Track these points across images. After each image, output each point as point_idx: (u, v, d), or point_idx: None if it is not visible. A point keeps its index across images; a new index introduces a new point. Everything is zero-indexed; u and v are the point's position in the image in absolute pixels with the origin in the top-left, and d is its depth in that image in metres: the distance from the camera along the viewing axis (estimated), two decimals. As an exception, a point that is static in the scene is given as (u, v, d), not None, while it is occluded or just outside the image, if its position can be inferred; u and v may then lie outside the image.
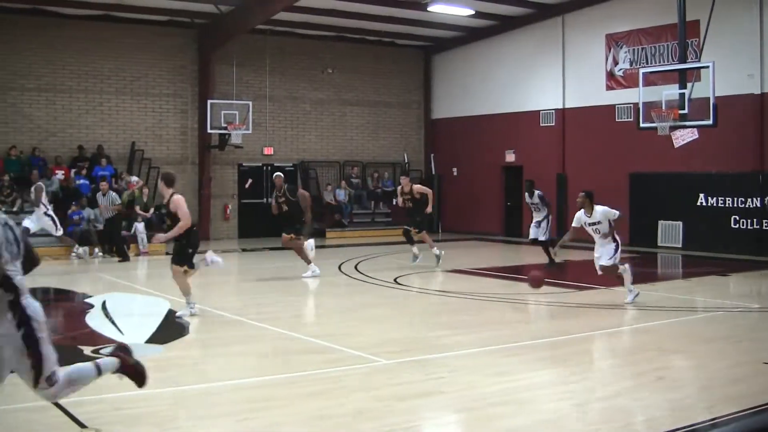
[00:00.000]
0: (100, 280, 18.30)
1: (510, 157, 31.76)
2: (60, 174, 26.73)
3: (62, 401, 7.96)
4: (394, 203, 22.39)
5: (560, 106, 29.70)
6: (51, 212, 20.86)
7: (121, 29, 29.08)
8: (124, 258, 23.54)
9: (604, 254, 14.56)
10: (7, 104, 27.50)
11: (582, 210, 14.74)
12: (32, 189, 20.88)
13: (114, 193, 24.59)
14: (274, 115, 32.07)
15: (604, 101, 27.97)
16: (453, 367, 9.82)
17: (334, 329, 12.46)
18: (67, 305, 15.74)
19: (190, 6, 28.26)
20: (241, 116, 29.21)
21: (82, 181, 26.85)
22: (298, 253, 18.91)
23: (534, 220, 21.00)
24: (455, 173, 34.03)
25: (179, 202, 13.60)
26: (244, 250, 26.14)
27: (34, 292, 14.98)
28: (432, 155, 34.85)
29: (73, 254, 23.16)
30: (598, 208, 14.57)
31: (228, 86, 30.78)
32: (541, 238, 20.81)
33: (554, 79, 29.87)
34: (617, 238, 14.64)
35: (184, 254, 13.83)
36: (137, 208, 26.22)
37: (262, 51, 31.21)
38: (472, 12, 29.37)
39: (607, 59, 27.96)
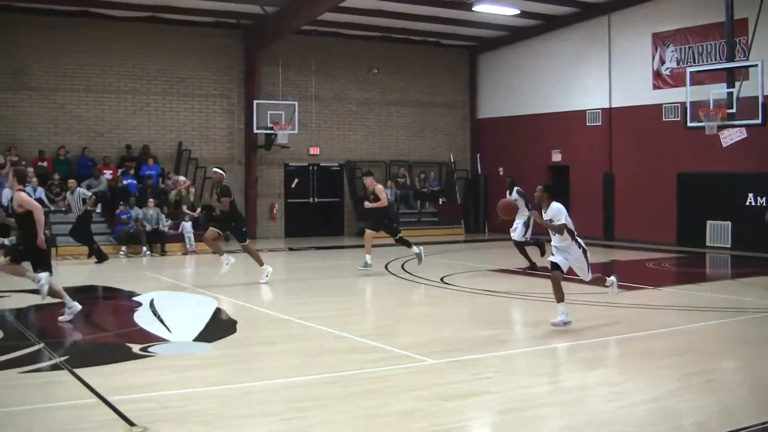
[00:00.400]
0: (147, 279, 18.42)
1: (556, 157, 31.59)
2: (108, 174, 26.98)
3: (111, 398, 8.05)
4: (365, 205, 20.45)
5: (607, 106, 29.47)
6: None
7: (168, 30, 29.31)
8: (102, 258, 22.62)
9: (572, 261, 12.38)
10: (56, 105, 27.83)
11: (540, 206, 12.70)
12: None
13: (81, 189, 23.52)
14: (320, 115, 32.15)
15: (650, 100, 27.67)
16: (500, 368, 9.79)
17: (380, 328, 12.47)
18: (115, 303, 15.87)
19: (236, 7, 28.41)
20: (287, 116, 29.33)
21: (129, 181, 27.09)
22: (210, 245, 18.47)
23: (517, 218, 19.64)
24: (501, 173, 33.86)
25: (22, 198, 12.53)
26: (290, 249, 26.21)
27: (83, 290, 15.19)
28: (478, 155, 34.74)
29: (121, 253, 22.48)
30: (554, 206, 12.31)
31: (274, 87, 30.91)
32: (516, 237, 19.75)
33: (600, 78, 29.65)
34: (581, 242, 12.47)
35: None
36: (184, 208, 26.48)
37: (307, 51, 31.30)
38: (518, 11, 29.27)
39: (653, 58, 27.69)
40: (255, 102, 29.37)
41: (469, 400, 8.41)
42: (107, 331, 12.58)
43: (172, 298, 15.76)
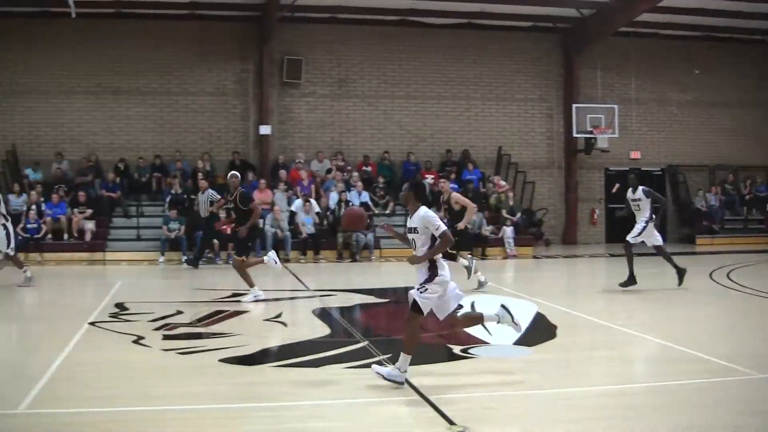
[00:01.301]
0: (468, 282, 18.56)
1: None
2: (429, 178, 27.55)
3: (432, 397, 8.13)
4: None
5: None
6: (9, 226, 18.10)
7: (486, 36, 29.69)
8: (193, 264, 22.63)
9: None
10: (379, 112, 28.93)
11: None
12: None
13: (212, 191, 23.25)
14: (640, 118, 31.38)
15: None
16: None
17: (704, 338, 11.90)
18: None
19: (553, 11, 28.47)
20: (607, 120, 28.97)
21: (451, 185, 27.47)
22: (240, 273, 15.77)
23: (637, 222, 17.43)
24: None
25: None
26: (611, 255, 25.75)
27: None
28: (810, 158, 32.74)
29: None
30: (421, 212, 9.02)
31: (593, 89, 30.51)
32: (629, 237, 17.21)
33: None
34: (439, 265, 9.03)
35: None
36: (504, 212, 26.57)
37: (626, 53, 30.65)
38: None
39: None
40: (574, 106, 29.23)
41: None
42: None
43: (493, 302, 15.79)
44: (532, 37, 30.43)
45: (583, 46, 29.80)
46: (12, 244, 17.76)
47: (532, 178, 29.82)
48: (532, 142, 30.62)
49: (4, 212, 17.75)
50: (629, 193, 17.48)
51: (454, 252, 16.56)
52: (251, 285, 15.52)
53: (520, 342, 11.39)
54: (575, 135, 29.52)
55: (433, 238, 8.90)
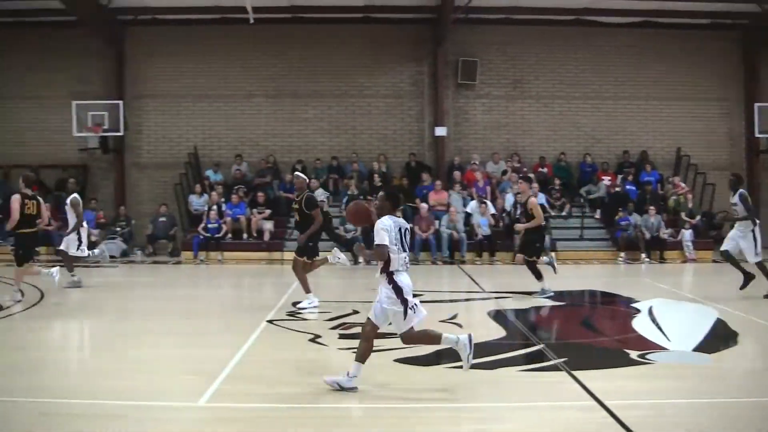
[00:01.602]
0: (646, 286, 18.21)
1: None
2: (606, 180, 27.18)
3: (608, 402, 8.00)
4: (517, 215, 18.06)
5: None
6: (83, 231, 18.14)
7: (663, 34, 29.15)
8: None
9: (384, 303, 8.80)
10: (555, 113, 28.77)
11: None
12: (68, 202, 18.14)
13: (321, 191, 22.88)
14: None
15: None
16: None
17: None
18: (613, 308, 15.88)
19: (732, 7, 27.75)
20: (791, 119, 27.96)
21: (629, 187, 27.05)
22: (297, 276, 15.04)
23: (735, 229, 16.21)
24: None
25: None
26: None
27: (582, 294, 15.21)
28: None
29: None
30: (379, 221, 8.78)
31: (775, 88, 29.49)
32: (752, 259, 16.08)
33: None
34: (395, 278, 8.71)
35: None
36: (683, 215, 25.94)
37: (812, 49, 29.48)
38: None
39: None
40: (756, 105, 28.35)
41: None
42: (605, 336, 12.61)
43: (671, 307, 15.46)
44: (711, 35, 29.61)
45: (765, 43, 28.81)
46: (83, 246, 18.26)
47: (712, 179, 28.94)
48: (712, 143, 29.76)
49: (80, 212, 18.25)
50: (730, 197, 16.38)
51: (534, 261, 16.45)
52: (307, 291, 14.82)
53: (699, 349, 11.12)
54: (757, 135, 28.60)
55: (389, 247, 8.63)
